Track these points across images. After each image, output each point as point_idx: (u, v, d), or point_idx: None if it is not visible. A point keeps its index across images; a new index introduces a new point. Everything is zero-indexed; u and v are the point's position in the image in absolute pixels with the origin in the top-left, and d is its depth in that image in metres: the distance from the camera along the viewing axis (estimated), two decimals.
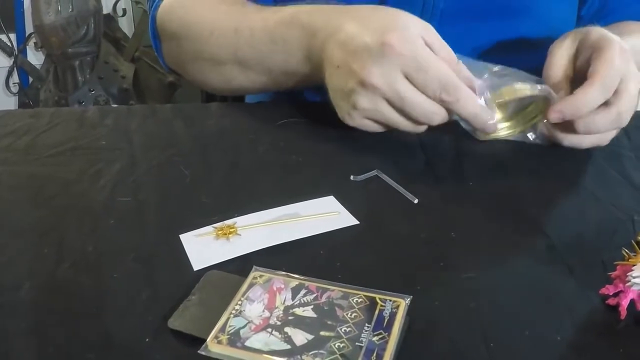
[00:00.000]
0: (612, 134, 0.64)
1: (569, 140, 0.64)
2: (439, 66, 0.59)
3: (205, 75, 0.77)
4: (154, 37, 0.81)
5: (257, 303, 0.43)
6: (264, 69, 0.71)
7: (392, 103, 0.60)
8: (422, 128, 0.63)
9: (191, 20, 0.76)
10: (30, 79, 2.22)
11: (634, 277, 0.42)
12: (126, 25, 2.28)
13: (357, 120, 0.63)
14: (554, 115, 0.60)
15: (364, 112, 0.61)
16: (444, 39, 0.62)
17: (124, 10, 2.24)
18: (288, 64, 0.68)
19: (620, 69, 0.59)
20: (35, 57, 2.23)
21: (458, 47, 0.74)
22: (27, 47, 2.21)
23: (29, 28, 2.15)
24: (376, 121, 0.63)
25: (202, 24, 0.75)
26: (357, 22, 0.61)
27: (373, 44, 0.59)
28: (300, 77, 0.69)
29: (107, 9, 2.18)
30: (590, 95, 0.59)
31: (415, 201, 0.56)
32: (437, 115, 0.60)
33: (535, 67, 0.84)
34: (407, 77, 0.59)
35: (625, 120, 0.62)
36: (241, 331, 0.40)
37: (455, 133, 0.67)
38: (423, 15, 0.77)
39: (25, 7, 2.14)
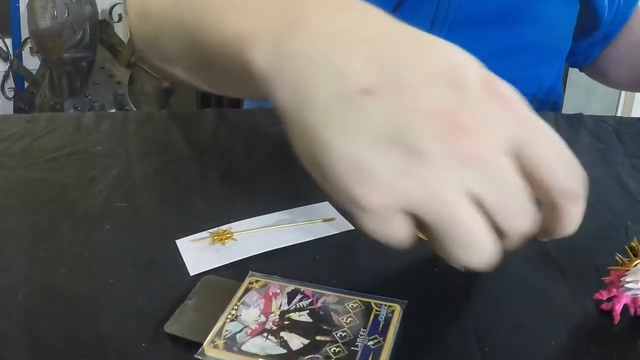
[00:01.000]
0: None
1: None
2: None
3: (146, 30, 0.57)
4: None
5: (253, 308, 0.43)
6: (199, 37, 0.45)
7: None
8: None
9: None
10: (26, 84, 2.23)
11: (628, 282, 0.42)
12: (122, 31, 2.28)
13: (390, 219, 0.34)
14: None
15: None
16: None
17: (120, 16, 2.25)
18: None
19: None
20: (31, 62, 2.23)
21: None
22: (23, 52, 2.21)
23: (25, 33, 2.15)
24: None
25: None
26: None
27: None
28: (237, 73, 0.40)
29: (102, 14, 2.18)
30: None
31: None
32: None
33: (539, 70, 0.85)
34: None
35: None
36: (237, 336, 0.41)
37: None
38: (434, 25, 0.76)
39: (21, 12, 2.14)
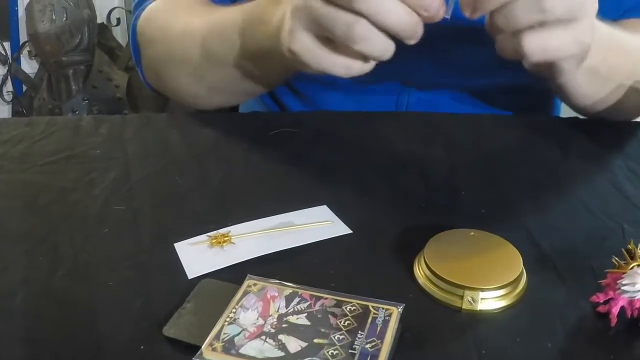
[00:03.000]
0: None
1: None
2: None
3: (179, 78, 0.76)
4: (134, 50, 0.80)
5: (251, 311, 0.43)
6: (232, 58, 0.69)
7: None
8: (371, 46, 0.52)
9: (165, 23, 0.76)
10: (24, 88, 2.22)
11: (624, 285, 0.43)
12: (120, 35, 2.28)
13: (296, 37, 0.55)
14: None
15: (299, 16, 0.54)
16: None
17: (118, 20, 2.25)
18: (255, 45, 0.66)
19: None
20: (29, 66, 2.23)
21: (439, 65, 0.73)
22: (21, 55, 2.21)
23: (23, 36, 2.15)
24: (318, 40, 0.54)
25: (175, 24, 0.74)
26: None
27: None
28: (267, 56, 0.64)
29: (101, 18, 2.18)
30: None
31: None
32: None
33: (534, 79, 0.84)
34: None
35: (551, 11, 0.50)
36: (235, 339, 0.41)
37: (449, 144, 0.68)
38: None
39: (19, 15, 2.14)
